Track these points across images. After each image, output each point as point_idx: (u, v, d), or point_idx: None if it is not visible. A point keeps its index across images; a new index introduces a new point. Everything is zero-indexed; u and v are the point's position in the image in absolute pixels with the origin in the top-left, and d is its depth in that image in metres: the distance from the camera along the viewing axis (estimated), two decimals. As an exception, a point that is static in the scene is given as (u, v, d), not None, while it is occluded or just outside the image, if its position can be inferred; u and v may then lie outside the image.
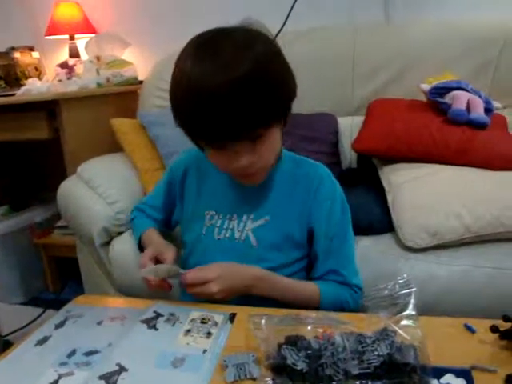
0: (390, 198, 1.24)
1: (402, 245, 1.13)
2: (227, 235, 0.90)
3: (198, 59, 0.72)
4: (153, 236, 1.02)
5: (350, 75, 1.79)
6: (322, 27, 1.88)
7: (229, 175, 0.90)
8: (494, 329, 0.68)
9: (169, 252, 0.91)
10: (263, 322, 0.66)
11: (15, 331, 1.73)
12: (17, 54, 2.26)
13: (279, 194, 0.90)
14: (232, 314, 0.78)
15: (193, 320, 0.76)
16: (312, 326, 0.65)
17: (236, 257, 0.87)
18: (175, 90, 0.76)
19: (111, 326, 0.77)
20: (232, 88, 0.69)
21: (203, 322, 0.75)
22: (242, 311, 0.78)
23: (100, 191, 1.40)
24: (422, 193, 1.17)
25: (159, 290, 0.88)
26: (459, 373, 0.61)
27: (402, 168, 1.31)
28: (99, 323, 0.78)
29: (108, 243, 1.37)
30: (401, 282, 0.66)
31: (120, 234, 1.38)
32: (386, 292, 0.65)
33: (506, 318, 0.69)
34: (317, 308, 0.87)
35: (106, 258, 1.36)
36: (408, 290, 0.65)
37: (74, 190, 1.45)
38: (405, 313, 0.64)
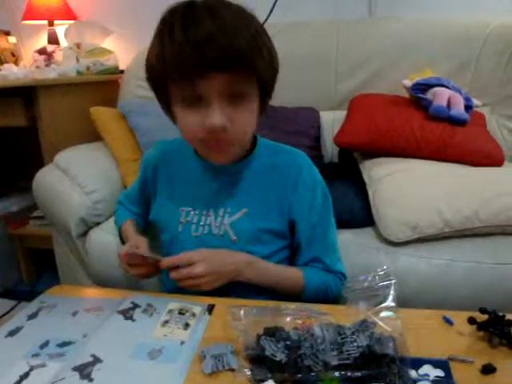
0: (370, 192, 1.24)
1: (383, 238, 1.14)
2: (205, 231, 0.87)
3: (193, 21, 0.69)
4: (128, 229, 1.01)
5: (332, 70, 1.79)
6: (305, 21, 1.87)
7: (202, 166, 0.88)
8: (471, 320, 0.69)
9: (141, 243, 0.89)
10: (242, 313, 0.65)
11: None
12: (-9, 38, 2.19)
13: (256, 185, 0.87)
14: (210, 305, 0.77)
15: (170, 311, 0.74)
16: (291, 318, 0.65)
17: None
18: (153, 47, 0.74)
19: (86, 316, 0.75)
20: (229, 52, 0.68)
21: (181, 313, 0.74)
22: (221, 303, 0.77)
23: (77, 181, 1.37)
24: (403, 187, 1.18)
25: (138, 276, 0.87)
26: (437, 364, 0.62)
27: (383, 162, 1.32)
28: (74, 314, 0.76)
29: (85, 234, 1.34)
30: (381, 273, 0.65)
31: (97, 224, 1.35)
32: (366, 284, 0.65)
33: (482, 311, 0.70)
34: (301, 294, 0.86)
35: (83, 248, 1.33)
36: (388, 282, 0.65)
37: (51, 179, 1.41)
38: (384, 304, 0.64)
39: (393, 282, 0.64)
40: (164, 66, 0.71)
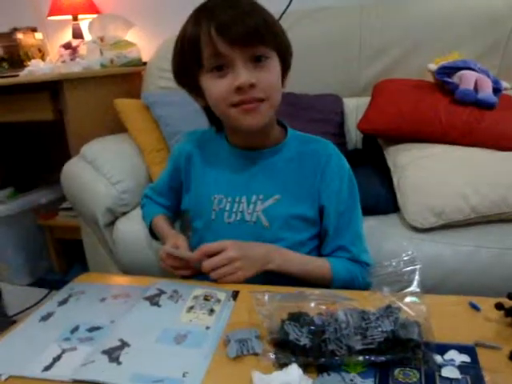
0: (395, 179, 1.23)
1: (408, 225, 1.13)
2: (238, 218, 0.89)
3: (216, 10, 0.79)
4: (163, 225, 1.03)
5: (356, 56, 1.77)
6: (327, 7, 1.84)
7: (234, 154, 0.90)
8: (498, 306, 0.67)
9: (181, 242, 0.92)
10: (266, 298, 0.66)
11: (21, 312, 1.76)
12: (19, 35, 2.24)
13: (287, 172, 0.89)
14: (235, 291, 0.77)
15: (196, 297, 0.75)
16: (315, 303, 0.65)
17: (249, 239, 0.86)
18: (188, 29, 0.82)
19: (114, 303, 0.77)
20: (245, 15, 0.77)
21: (206, 299, 0.75)
22: (245, 289, 0.78)
23: (104, 171, 1.40)
24: (428, 173, 1.16)
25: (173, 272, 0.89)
26: (463, 349, 0.61)
27: (408, 148, 1.30)
28: (102, 300, 0.78)
29: (112, 223, 1.37)
30: (405, 258, 0.65)
31: (124, 214, 1.38)
32: (391, 269, 0.65)
33: (510, 296, 0.68)
34: (328, 285, 0.87)
35: (110, 238, 1.36)
36: (413, 267, 0.64)
37: (78, 170, 1.44)
38: (409, 289, 0.63)
39: (418, 267, 0.63)
40: (196, 44, 0.80)
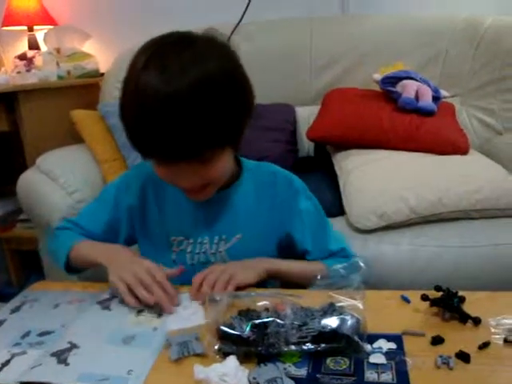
0: (341, 183, 1.29)
1: (353, 226, 1.19)
2: (201, 259, 0.88)
3: (147, 69, 0.68)
4: (97, 244, 0.89)
5: (307, 66, 1.84)
6: (280, 19, 1.92)
7: None
8: (424, 297, 0.74)
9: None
10: (218, 298, 0.70)
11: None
12: (-27, 46, 2.21)
13: (246, 208, 0.87)
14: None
15: (146, 301, 0.78)
16: (265, 301, 0.69)
17: None
18: (123, 99, 0.72)
19: (67, 308, 0.79)
20: (173, 104, 0.65)
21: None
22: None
23: (60, 181, 1.41)
24: (371, 177, 1.23)
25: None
26: (391, 338, 0.67)
27: (353, 154, 1.37)
28: (55, 306, 0.79)
29: (68, 233, 1.38)
30: (351, 263, 0.71)
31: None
32: (336, 271, 0.71)
33: (437, 288, 0.74)
34: None
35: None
36: (355, 271, 0.70)
37: (33, 181, 1.45)
38: (350, 287, 0.69)
39: (360, 270, 0.70)
40: (133, 145, 0.73)
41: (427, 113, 1.42)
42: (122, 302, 0.78)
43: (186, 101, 0.65)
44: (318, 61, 1.83)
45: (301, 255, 0.90)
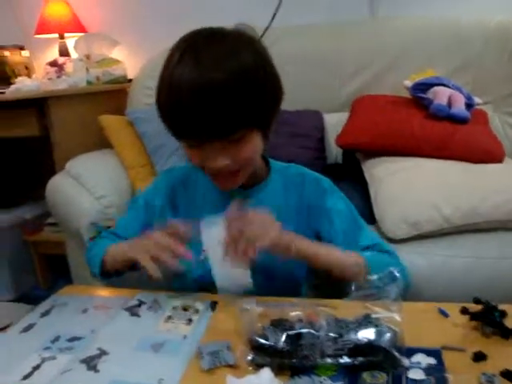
0: (372, 191, 1.26)
1: (384, 236, 1.16)
2: None
3: (182, 62, 0.73)
4: (124, 242, 0.90)
5: (336, 72, 1.82)
6: (308, 25, 1.90)
7: (219, 192, 0.88)
8: (463, 311, 0.71)
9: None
10: (249, 306, 0.68)
11: (3, 328, 1.73)
12: (6, 53, 2.26)
13: (274, 208, 0.84)
14: (213, 302, 0.80)
15: (174, 307, 0.77)
16: (297, 311, 0.67)
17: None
18: (159, 88, 0.76)
19: (95, 314, 0.79)
20: (208, 91, 0.69)
21: (185, 309, 0.77)
22: (224, 299, 0.80)
23: (88, 186, 1.42)
24: (403, 185, 1.20)
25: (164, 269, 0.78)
26: (430, 352, 0.64)
27: (384, 162, 1.34)
28: (84, 311, 0.79)
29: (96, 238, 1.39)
30: (386, 273, 0.68)
31: (108, 228, 1.39)
32: (372, 282, 0.68)
33: (476, 301, 0.71)
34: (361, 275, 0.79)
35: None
36: (391, 281, 0.67)
37: (62, 185, 1.46)
38: (387, 299, 0.66)
39: (397, 282, 0.67)
40: (166, 122, 0.77)
41: (460, 120, 1.38)
42: (150, 308, 0.78)
43: (220, 89, 0.70)
44: (347, 67, 1.81)
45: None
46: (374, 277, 0.71)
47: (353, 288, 0.71)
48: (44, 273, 2.28)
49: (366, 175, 1.34)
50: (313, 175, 0.91)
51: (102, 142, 1.73)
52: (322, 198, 0.88)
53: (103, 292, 0.91)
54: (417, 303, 0.78)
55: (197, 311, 0.77)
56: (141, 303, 0.79)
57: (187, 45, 0.75)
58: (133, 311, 0.77)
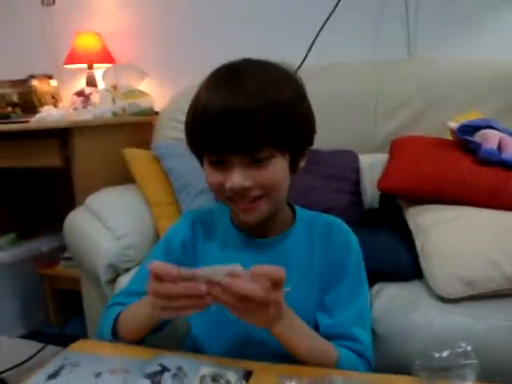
0: (418, 242, 1.15)
1: (433, 294, 1.04)
2: None
3: (221, 85, 0.71)
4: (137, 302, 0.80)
5: (371, 112, 1.75)
6: (344, 62, 1.84)
7: (240, 239, 0.81)
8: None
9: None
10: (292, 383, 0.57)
11: (11, 368, 1.64)
12: (35, 82, 2.26)
13: (297, 260, 0.80)
14: (247, 371, 0.68)
15: (203, 377, 0.66)
16: None
17: (258, 336, 0.76)
18: (191, 107, 0.74)
19: (111, 379, 0.68)
20: (242, 110, 0.67)
21: (215, 379, 0.66)
22: (260, 369, 0.69)
23: (108, 224, 1.34)
24: (454, 237, 1.09)
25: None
26: None
27: (430, 210, 1.22)
28: (97, 375, 0.69)
29: (114, 280, 1.29)
30: (459, 351, 0.56)
31: (127, 270, 1.30)
32: (442, 362, 0.56)
33: None
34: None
35: (111, 295, 1.27)
36: (467, 362, 0.55)
37: (81, 221, 1.38)
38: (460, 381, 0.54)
39: (474, 362, 0.55)
40: (192, 135, 0.74)
41: (512, 166, 1.27)
42: (175, 376, 0.67)
43: (253, 110, 0.67)
44: (383, 106, 1.73)
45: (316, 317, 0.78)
46: (444, 354, 0.59)
47: (416, 367, 0.59)
48: (56, 309, 2.19)
49: (410, 223, 1.23)
50: (341, 227, 0.83)
51: (126, 177, 1.66)
52: (347, 257, 0.80)
53: (120, 350, 0.80)
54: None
55: (228, 382, 0.65)
56: (164, 369, 0.68)
57: (228, 70, 0.73)
58: (155, 379, 0.66)
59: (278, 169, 0.73)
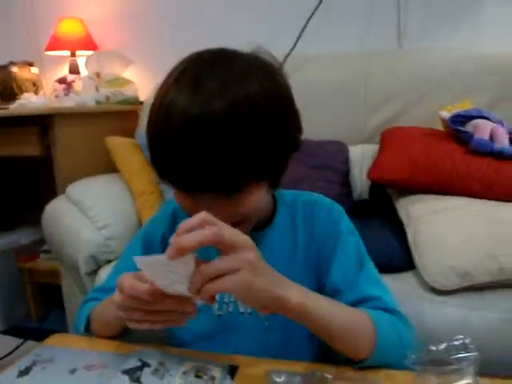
0: (410, 233, 1.12)
1: (426, 285, 1.01)
2: (230, 309, 0.73)
3: (176, 87, 0.59)
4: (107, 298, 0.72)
5: (361, 103, 1.72)
6: (332, 53, 1.80)
7: None
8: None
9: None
10: (282, 379, 0.53)
11: (-11, 364, 1.58)
12: (15, 69, 2.18)
13: (283, 248, 0.73)
14: (232, 366, 0.64)
15: (185, 373, 0.62)
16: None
17: (244, 333, 0.72)
18: (148, 116, 0.62)
19: (86, 376, 0.63)
20: (201, 126, 0.55)
21: (198, 375, 0.61)
22: (246, 363, 0.65)
23: (89, 214, 1.28)
24: (447, 228, 1.06)
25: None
26: None
27: (423, 200, 1.20)
28: (72, 371, 0.64)
29: (95, 272, 1.24)
30: (457, 343, 0.52)
31: (109, 262, 1.25)
32: (439, 355, 0.52)
33: None
34: (370, 348, 0.61)
35: (91, 288, 1.22)
36: (466, 355, 0.51)
37: (61, 211, 1.33)
38: (462, 382, 0.50)
39: (473, 355, 0.51)
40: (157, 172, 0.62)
41: (504, 156, 1.24)
42: (155, 372, 0.62)
43: (218, 124, 0.55)
44: (373, 97, 1.70)
45: (330, 295, 0.67)
46: (442, 347, 0.56)
47: (411, 360, 0.55)
48: (36, 302, 2.13)
49: (401, 214, 1.20)
50: (324, 202, 0.75)
51: (108, 166, 1.60)
52: (332, 232, 0.72)
53: (97, 344, 0.75)
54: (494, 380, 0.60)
55: (213, 379, 0.61)
56: (144, 365, 0.64)
57: (186, 66, 0.61)
58: (133, 376, 0.61)
59: (257, 196, 0.63)
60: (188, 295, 0.53)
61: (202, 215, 0.52)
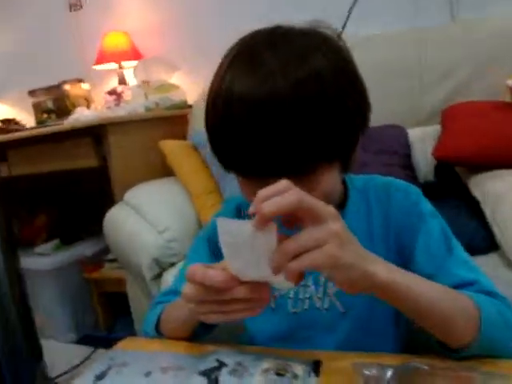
0: (488, 211, 1.03)
1: (512, 266, 0.92)
2: (305, 306, 0.70)
3: (233, 69, 0.56)
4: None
5: (416, 82, 1.63)
6: (383, 32, 1.73)
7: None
8: None
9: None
10: (374, 372, 0.48)
11: (64, 373, 1.63)
12: (67, 87, 2.27)
13: (357, 237, 0.67)
14: (316, 361, 0.60)
15: (266, 371, 0.58)
16: (448, 380, 0.46)
17: (322, 328, 0.68)
18: (206, 105, 0.60)
19: (162, 378, 0.61)
20: (264, 110, 0.52)
21: (279, 373, 0.57)
22: (330, 358, 0.60)
23: (149, 218, 1.28)
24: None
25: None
26: None
27: (498, 175, 1.11)
28: (147, 374, 0.62)
29: (159, 275, 1.23)
30: None
31: (172, 265, 1.24)
32: None
33: None
34: (474, 332, 0.54)
35: (157, 293, 1.22)
36: None
37: (121, 217, 1.34)
38: None
39: None
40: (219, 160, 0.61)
41: None
42: (234, 372, 0.59)
43: (283, 105, 0.53)
44: (429, 75, 1.61)
45: None
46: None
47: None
48: (104, 312, 2.18)
49: (476, 192, 1.11)
50: (399, 185, 0.70)
51: (163, 171, 1.62)
52: (412, 215, 0.66)
53: (170, 346, 0.73)
54: None
55: (295, 377, 0.57)
56: (221, 365, 0.60)
57: (239, 49, 0.58)
58: (211, 376, 0.58)
59: (329, 181, 0.60)
60: (264, 279, 0.49)
61: (283, 182, 0.47)
